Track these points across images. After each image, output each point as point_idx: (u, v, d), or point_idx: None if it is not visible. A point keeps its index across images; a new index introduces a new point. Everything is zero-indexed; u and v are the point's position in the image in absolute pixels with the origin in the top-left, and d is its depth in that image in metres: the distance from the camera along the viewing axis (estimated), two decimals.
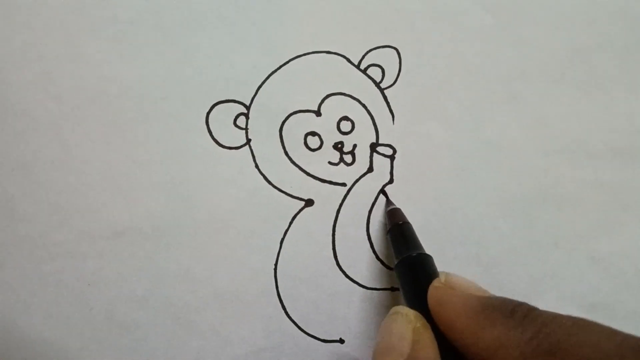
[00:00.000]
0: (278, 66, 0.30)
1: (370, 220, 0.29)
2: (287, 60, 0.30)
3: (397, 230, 0.27)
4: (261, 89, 0.29)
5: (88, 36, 0.29)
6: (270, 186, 0.29)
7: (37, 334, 0.29)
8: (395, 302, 0.29)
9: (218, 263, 0.29)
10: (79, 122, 0.29)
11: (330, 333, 0.29)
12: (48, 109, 0.29)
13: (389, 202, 0.29)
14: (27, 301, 0.29)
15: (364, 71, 0.30)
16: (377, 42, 0.30)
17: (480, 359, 0.18)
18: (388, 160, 0.30)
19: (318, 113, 0.30)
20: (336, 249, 0.29)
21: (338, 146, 0.30)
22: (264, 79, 0.29)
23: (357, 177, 0.30)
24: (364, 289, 0.29)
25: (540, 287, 0.29)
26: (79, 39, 0.29)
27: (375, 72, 0.30)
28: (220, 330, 0.29)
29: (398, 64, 0.30)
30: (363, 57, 0.30)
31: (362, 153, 0.30)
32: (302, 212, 0.29)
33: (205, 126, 0.29)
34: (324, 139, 0.30)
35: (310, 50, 0.30)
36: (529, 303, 0.29)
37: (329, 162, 0.30)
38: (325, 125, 0.30)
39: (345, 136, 0.30)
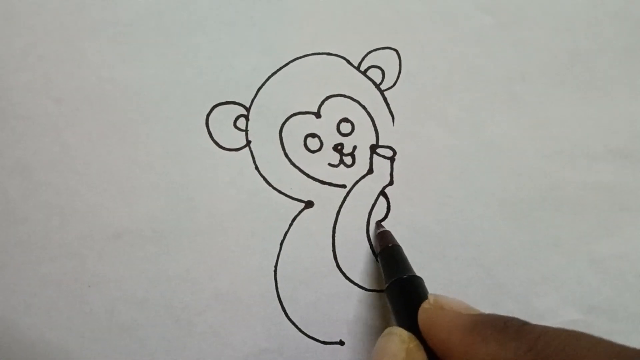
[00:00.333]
0: (278, 68, 0.29)
1: (370, 222, 0.29)
2: (287, 61, 0.30)
3: (387, 253, 0.27)
4: (261, 90, 0.29)
5: (88, 38, 0.29)
6: (270, 188, 0.29)
7: (38, 335, 0.29)
8: None
9: (218, 265, 0.29)
10: (79, 123, 0.29)
11: (330, 335, 0.29)
12: (48, 110, 0.29)
13: (378, 224, 0.29)
14: (28, 302, 0.29)
15: (364, 73, 0.30)
16: (377, 43, 0.30)
17: None
18: (388, 161, 0.30)
19: (318, 115, 0.30)
20: (336, 250, 0.29)
21: (338, 148, 0.30)
22: (264, 80, 0.29)
23: (357, 178, 0.30)
24: (364, 291, 0.29)
25: (540, 289, 0.29)
26: (79, 41, 0.29)
27: (375, 74, 0.30)
28: (220, 331, 0.29)
29: (398, 66, 0.30)
30: (363, 58, 0.30)
31: (362, 155, 0.30)
32: (302, 214, 0.29)
33: (205, 128, 0.29)
34: (323, 141, 0.30)
35: (310, 52, 0.30)
36: (529, 303, 0.29)
37: (329, 164, 0.30)
38: (325, 127, 0.30)
39: (345, 138, 0.30)
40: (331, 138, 0.30)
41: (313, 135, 0.30)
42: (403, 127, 0.30)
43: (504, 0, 0.29)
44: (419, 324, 0.21)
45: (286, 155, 0.30)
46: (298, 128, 0.30)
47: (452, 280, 0.29)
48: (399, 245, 0.27)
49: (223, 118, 0.29)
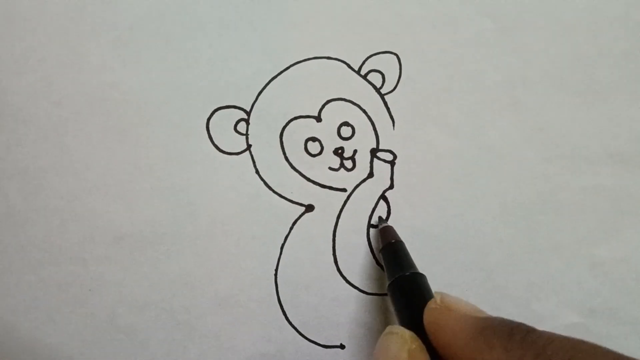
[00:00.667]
0: (279, 72, 0.30)
1: (371, 226, 0.30)
2: (287, 65, 0.30)
3: (390, 249, 0.27)
4: (262, 94, 0.29)
5: (89, 41, 0.29)
6: (270, 192, 0.29)
7: (39, 339, 0.29)
8: None
9: (218, 268, 0.29)
10: (79, 127, 0.29)
11: (330, 338, 0.29)
12: (49, 114, 0.29)
13: (380, 219, 0.29)
14: (29, 306, 0.29)
15: (365, 77, 0.30)
16: (377, 47, 0.30)
17: None
18: (388, 165, 0.30)
19: (318, 118, 0.30)
20: (336, 254, 0.29)
21: (338, 152, 0.30)
22: (264, 84, 0.29)
23: (358, 182, 0.30)
24: (365, 295, 0.29)
25: (540, 292, 0.29)
26: (79, 44, 0.29)
27: (375, 78, 0.30)
28: (221, 335, 0.29)
29: (398, 70, 0.30)
30: (363, 62, 0.30)
31: (363, 158, 0.30)
32: (302, 218, 0.29)
33: (205, 132, 0.29)
34: (324, 145, 0.30)
35: (311, 56, 0.30)
36: (529, 306, 0.29)
37: (330, 168, 0.30)
38: (326, 131, 0.30)
39: (346, 142, 0.30)
40: (332, 142, 0.30)
41: (313, 139, 0.30)
42: (403, 131, 0.30)
43: (505, 4, 0.29)
44: (424, 324, 0.21)
45: (287, 159, 0.30)
46: (298, 132, 0.30)
47: (453, 283, 0.29)
48: (401, 241, 0.27)
49: (224, 122, 0.29)
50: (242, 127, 0.30)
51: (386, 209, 0.30)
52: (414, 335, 0.21)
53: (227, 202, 0.29)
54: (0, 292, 0.29)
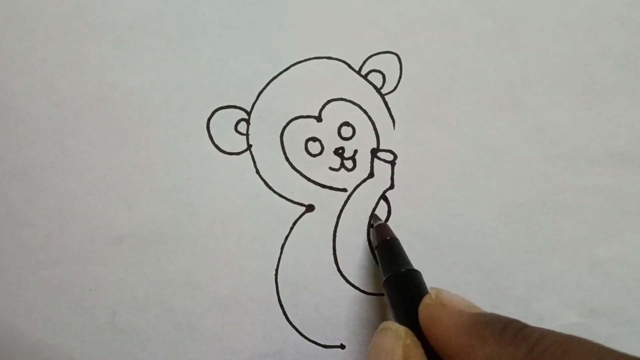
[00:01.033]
0: (279, 72, 0.30)
1: (371, 226, 0.30)
2: (287, 65, 0.30)
3: (385, 247, 0.27)
4: (262, 94, 0.29)
5: (89, 41, 0.29)
6: (271, 192, 0.29)
7: (39, 340, 0.29)
8: None
9: (219, 268, 0.29)
10: (80, 127, 0.29)
11: (331, 338, 0.29)
12: (49, 114, 0.29)
13: (376, 217, 0.29)
14: (29, 306, 0.29)
15: (365, 77, 0.30)
16: (378, 47, 0.30)
17: None
18: (389, 165, 0.30)
19: (319, 118, 0.30)
20: (337, 254, 0.29)
21: (339, 152, 0.30)
22: (264, 84, 0.29)
23: (358, 182, 0.30)
24: (365, 294, 0.29)
25: (540, 292, 0.29)
26: (79, 45, 0.29)
27: (376, 78, 0.30)
28: (221, 335, 0.29)
29: (399, 70, 0.30)
30: (364, 62, 0.30)
31: (363, 158, 0.30)
32: (302, 218, 0.29)
33: (206, 132, 0.29)
34: (324, 145, 0.30)
35: (311, 56, 0.30)
36: (529, 306, 0.29)
37: (330, 168, 0.30)
38: (326, 131, 0.30)
39: (346, 142, 0.30)
40: (332, 142, 0.30)
41: (314, 139, 0.30)
42: (404, 131, 0.30)
43: (505, 5, 0.29)
44: (419, 320, 0.21)
45: (287, 159, 0.30)
46: (299, 132, 0.30)
47: (452, 283, 0.29)
48: (396, 239, 0.27)
49: (224, 122, 0.29)
50: (242, 127, 0.30)
51: (386, 209, 0.30)
52: (409, 331, 0.21)
53: (228, 202, 0.29)
54: (0, 292, 0.29)
